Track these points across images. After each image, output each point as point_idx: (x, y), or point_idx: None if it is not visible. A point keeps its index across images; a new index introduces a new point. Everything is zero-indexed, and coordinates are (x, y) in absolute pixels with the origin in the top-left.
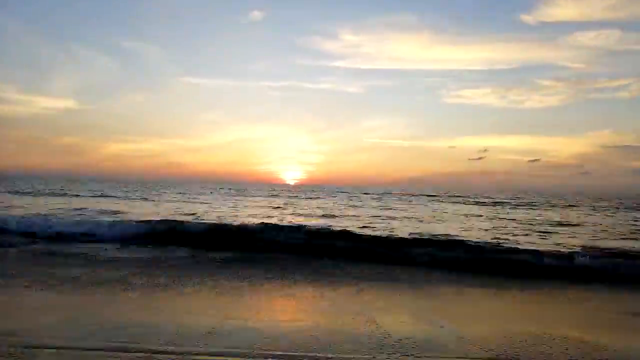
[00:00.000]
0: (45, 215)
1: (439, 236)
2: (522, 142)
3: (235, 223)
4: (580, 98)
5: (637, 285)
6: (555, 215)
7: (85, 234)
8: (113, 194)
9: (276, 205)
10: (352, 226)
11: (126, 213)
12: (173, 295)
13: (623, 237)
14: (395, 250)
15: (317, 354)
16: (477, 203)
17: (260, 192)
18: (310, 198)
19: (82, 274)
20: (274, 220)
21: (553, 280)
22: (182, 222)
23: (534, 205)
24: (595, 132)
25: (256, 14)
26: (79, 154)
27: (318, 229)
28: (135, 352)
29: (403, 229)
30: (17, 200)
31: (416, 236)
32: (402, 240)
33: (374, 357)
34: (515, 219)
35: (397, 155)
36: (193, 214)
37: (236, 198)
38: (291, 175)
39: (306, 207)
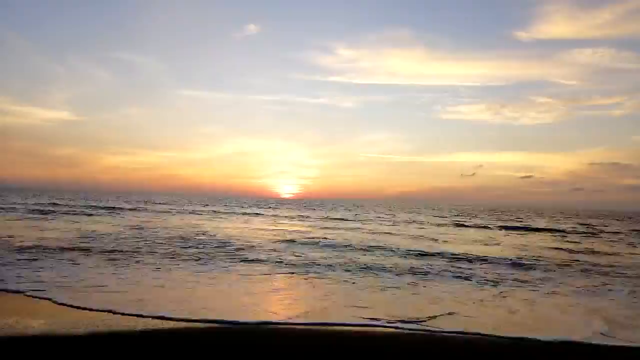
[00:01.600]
0: None
1: None
2: (516, 158)
3: None
4: (574, 115)
5: None
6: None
7: None
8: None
9: None
10: None
11: None
12: None
13: None
14: None
15: None
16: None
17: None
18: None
19: None
20: None
21: None
22: None
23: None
24: (588, 149)
25: (251, 28)
26: (75, 166)
27: None
28: None
29: None
30: None
31: None
32: None
33: None
34: None
35: (393, 170)
36: None
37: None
38: (287, 188)
39: None
